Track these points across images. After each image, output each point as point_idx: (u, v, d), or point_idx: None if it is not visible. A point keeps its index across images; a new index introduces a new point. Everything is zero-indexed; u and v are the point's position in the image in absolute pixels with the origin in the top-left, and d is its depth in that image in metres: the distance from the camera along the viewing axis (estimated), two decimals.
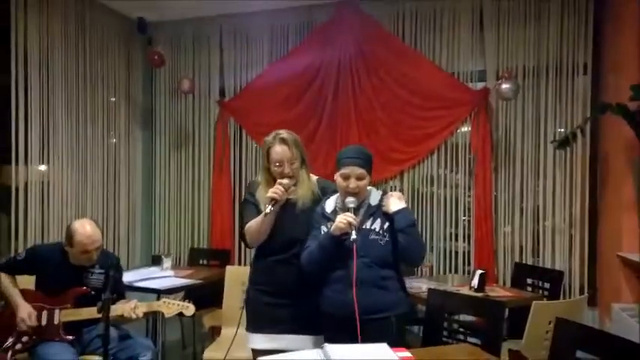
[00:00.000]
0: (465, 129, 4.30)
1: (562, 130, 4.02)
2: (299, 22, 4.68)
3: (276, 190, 2.10)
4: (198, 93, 5.00)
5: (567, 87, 4.03)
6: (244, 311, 2.30)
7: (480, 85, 4.23)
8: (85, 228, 2.57)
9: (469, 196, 4.29)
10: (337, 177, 2.12)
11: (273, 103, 4.66)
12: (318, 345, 2.04)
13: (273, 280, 2.22)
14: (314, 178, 2.34)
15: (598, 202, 3.95)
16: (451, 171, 4.37)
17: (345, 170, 2.07)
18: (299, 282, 2.18)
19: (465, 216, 4.34)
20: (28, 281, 2.71)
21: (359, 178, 2.07)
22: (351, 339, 1.94)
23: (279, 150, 2.18)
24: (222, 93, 4.96)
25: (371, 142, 4.33)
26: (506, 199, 4.20)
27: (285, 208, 2.20)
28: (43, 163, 4.04)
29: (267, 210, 2.08)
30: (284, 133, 2.21)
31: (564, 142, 3.27)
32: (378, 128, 4.39)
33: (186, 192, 5.13)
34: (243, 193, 4.90)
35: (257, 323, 2.23)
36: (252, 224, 2.20)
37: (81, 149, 4.41)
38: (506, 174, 4.20)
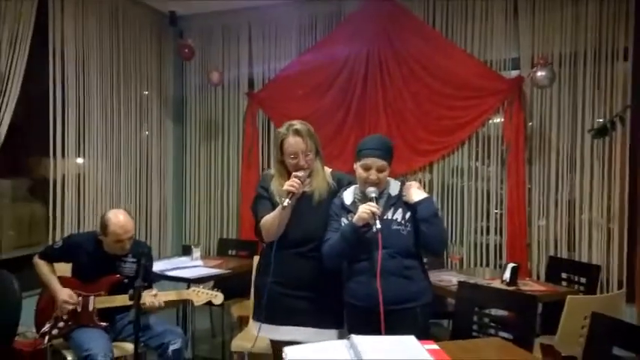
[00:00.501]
0: (497, 120, 4.19)
1: (600, 120, 3.85)
2: (328, 13, 4.64)
3: (292, 184, 2.07)
4: (227, 85, 5.04)
5: (606, 73, 3.85)
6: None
7: (514, 74, 4.10)
8: (119, 218, 2.63)
9: (501, 189, 4.18)
10: (357, 167, 2.09)
11: (302, 94, 4.65)
12: (340, 338, 2.03)
13: (291, 273, 2.18)
14: (328, 170, 2.31)
15: (638, 194, 3.78)
16: (483, 163, 4.27)
17: (366, 161, 2.05)
18: (318, 275, 2.16)
19: (497, 209, 4.24)
20: (64, 269, 2.80)
21: (380, 170, 2.05)
22: (375, 330, 1.93)
23: (292, 142, 2.13)
24: (250, 85, 4.98)
25: (400, 132, 4.29)
26: (540, 191, 4.07)
27: (301, 200, 2.16)
28: (79, 156, 4.15)
29: (285, 203, 2.05)
30: (297, 124, 2.16)
31: (602, 131, 3.12)
32: (407, 119, 4.32)
33: (215, 183, 5.19)
34: None
35: (276, 315, 2.20)
36: (268, 218, 2.16)
37: (115, 142, 4.51)
38: (541, 165, 4.07)
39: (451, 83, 4.17)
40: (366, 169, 2.05)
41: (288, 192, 2.06)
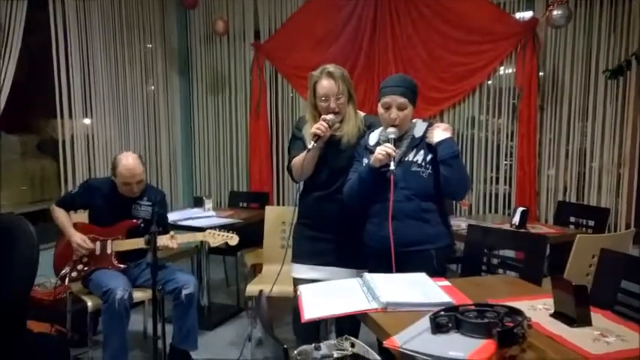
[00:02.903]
0: (509, 70, 4.10)
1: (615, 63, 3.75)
2: None
3: (319, 126, 2.08)
4: (232, 35, 4.95)
5: (623, 13, 3.72)
6: (288, 246, 2.37)
7: (527, 16, 3.98)
8: (128, 160, 2.66)
9: (512, 141, 4.14)
10: (379, 107, 2.06)
11: (309, 44, 4.55)
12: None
13: (316, 214, 2.26)
14: (361, 114, 2.30)
15: None
16: (493, 116, 4.22)
17: (386, 99, 2.01)
18: (342, 216, 2.20)
19: (506, 160, 4.23)
20: (81, 216, 2.86)
21: (400, 108, 2.00)
22: (389, 271, 1.95)
23: (325, 84, 2.13)
24: (256, 35, 4.88)
25: None
26: (551, 139, 4.04)
27: (330, 144, 2.18)
28: (86, 115, 4.13)
29: (310, 146, 2.07)
30: (331, 67, 2.15)
31: (618, 71, 3.04)
32: (417, 66, 4.24)
33: (224, 136, 5.19)
34: (280, 137, 4.93)
35: (301, 254, 2.30)
36: (298, 159, 2.21)
37: (121, 98, 4.49)
38: (552, 114, 4.01)
39: (463, 27, 4.05)
40: (387, 107, 2.02)
41: (314, 134, 2.08)
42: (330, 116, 2.12)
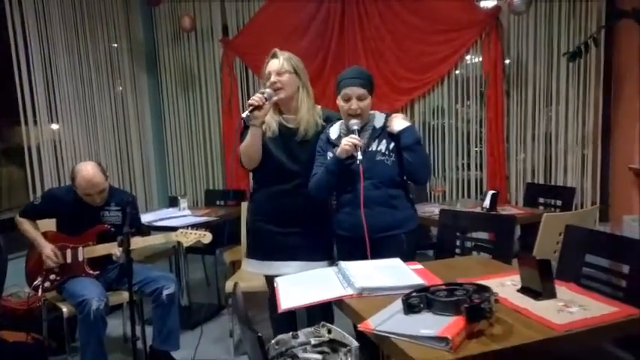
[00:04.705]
0: (476, 59, 4.18)
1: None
2: None
3: (254, 97, 2.08)
4: (200, 32, 4.90)
5: None
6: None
7: (490, 4, 4.06)
8: (88, 171, 2.58)
9: (481, 128, 4.23)
10: (339, 100, 2.11)
11: (279, 39, 4.45)
12: None
13: (279, 209, 2.22)
14: (317, 107, 2.31)
15: (612, 116, 3.85)
16: (462, 105, 4.30)
17: (346, 91, 2.06)
18: (306, 210, 2.21)
19: (476, 147, 4.32)
20: (50, 224, 2.78)
21: (360, 99, 2.06)
22: (363, 259, 1.99)
23: (270, 63, 2.17)
24: (225, 31, 4.85)
25: (380, 72, 4.27)
26: (518, 124, 4.14)
27: (287, 135, 2.19)
28: (52, 120, 4.01)
29: (243, 115, 2.07)
30: (278, 50, 2.19)
31: (577, 54, 3.14)
32: (386, 57, 4.29)
33: (197, 134, 5.15)
34: None
35: (267, 251, 2.26)
36: (243, 143, 2.19)
37: (88, 101, 4.38)
38: (519, 97, 4.12)
39: (429, 17, 4.12)
40: (347, 99, 2.07)
41: (249, 104, 2.07)
42: (268, 90, 2.12)
